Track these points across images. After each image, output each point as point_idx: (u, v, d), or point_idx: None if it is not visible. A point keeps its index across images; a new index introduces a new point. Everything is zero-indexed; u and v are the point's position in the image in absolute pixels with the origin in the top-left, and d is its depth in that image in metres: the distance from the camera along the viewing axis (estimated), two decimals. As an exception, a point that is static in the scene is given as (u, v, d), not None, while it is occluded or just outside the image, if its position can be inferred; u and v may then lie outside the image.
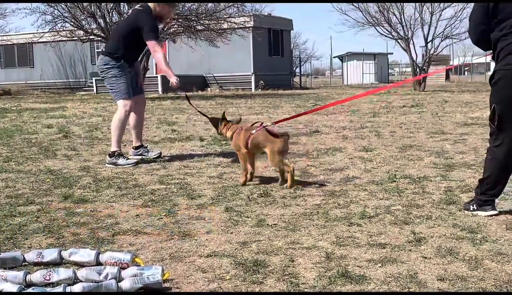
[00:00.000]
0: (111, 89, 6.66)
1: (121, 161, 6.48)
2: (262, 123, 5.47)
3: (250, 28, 29.97)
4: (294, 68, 43.24)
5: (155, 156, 6.93)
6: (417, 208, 4.36)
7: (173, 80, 6.34)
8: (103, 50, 6.84)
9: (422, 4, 28.61)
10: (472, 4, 4.13)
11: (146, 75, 21.45)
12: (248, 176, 5.37)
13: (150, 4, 6.53)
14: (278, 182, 5.29)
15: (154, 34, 6.44)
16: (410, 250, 3.37)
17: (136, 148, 7.02)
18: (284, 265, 3.15)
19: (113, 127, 6.61)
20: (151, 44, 6.44)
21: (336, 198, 4.72)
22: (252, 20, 30.53)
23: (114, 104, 6.64)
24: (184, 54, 30.94)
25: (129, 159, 6.62)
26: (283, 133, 5.26)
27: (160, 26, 7.19)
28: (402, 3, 28.69)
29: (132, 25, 6.53)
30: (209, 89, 31.64)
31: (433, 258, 3.22)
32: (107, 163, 6.52)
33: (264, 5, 33.66)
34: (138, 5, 6.67)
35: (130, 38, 6.53)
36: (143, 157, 6.91)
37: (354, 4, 29.97)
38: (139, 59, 7.11)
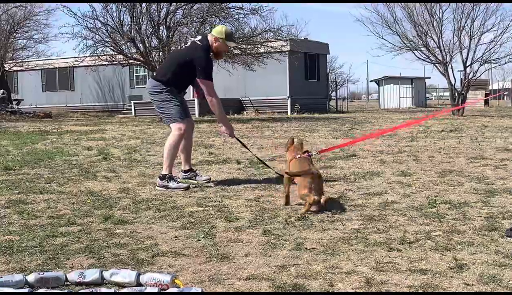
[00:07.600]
0: (162, 113, 6.72)
1: (172, 184, 6.41)
2: (307, 151, 5.66)
3: (287, 52, 30.09)
4: (330, 92, 43.18)
5: (204, 181, 6.83)
6: (458, 233, 4.29)
7: (230, 132, 6.64)
8: (154, 75, 6.96)
9: (461, 28, 28.31)
10: None
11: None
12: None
13: (209, 37, 6.54)
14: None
15: (208, 75, 6.46)
16: (451, 277, 3.31)
17: (186, 171, 6.97)
18: (323, 289, 3.14)
19: (165, 150, 6.56)
20: (207, 85, 6.46)
21: (375, 223, 4.68)
22: (289, 44, 30.65)
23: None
24: (221, 78, 31.05)
25: (180, 182, 6.54)
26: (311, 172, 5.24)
27: (216, 60, 7.31)
28: (440, 27, 28.42)
29: (187, 59, 6.54)
30: (245, 112, 31.77)
31: (476, 285, 3.17)
32: (158, 186, 6.46)
33: (300, 29, 33.83)
34: (198, 39, 6.69)
35: (183, 69, 6.57)
36: (192, 181, 6.83)
37: (391, 28, 29.78)
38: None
